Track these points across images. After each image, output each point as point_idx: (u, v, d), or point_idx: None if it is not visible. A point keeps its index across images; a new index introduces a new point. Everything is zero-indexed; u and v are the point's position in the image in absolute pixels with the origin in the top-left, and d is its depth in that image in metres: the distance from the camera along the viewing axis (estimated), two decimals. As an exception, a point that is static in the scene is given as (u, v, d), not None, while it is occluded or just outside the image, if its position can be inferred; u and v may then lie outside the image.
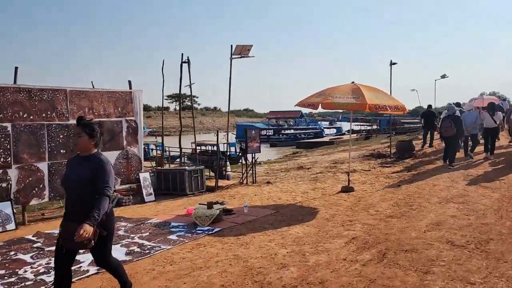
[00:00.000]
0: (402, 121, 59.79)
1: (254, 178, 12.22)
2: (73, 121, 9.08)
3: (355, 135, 49.18)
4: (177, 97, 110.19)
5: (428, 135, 16.88)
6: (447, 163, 11.47)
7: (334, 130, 58.71)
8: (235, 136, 59.61)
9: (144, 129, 51.07)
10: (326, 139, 44.99)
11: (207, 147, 34.35)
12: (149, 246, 5.74)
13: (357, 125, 63.06)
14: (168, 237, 6.19)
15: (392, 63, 16.12)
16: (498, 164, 11.30)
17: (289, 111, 67.46)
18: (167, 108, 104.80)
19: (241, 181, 12.21)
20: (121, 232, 6.66)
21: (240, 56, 11.90)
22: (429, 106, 18.12)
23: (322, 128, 57.11)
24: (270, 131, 56.09)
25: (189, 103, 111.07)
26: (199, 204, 7.40)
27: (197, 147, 34.34)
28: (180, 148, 15.51)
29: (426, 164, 12.71)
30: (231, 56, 12.12)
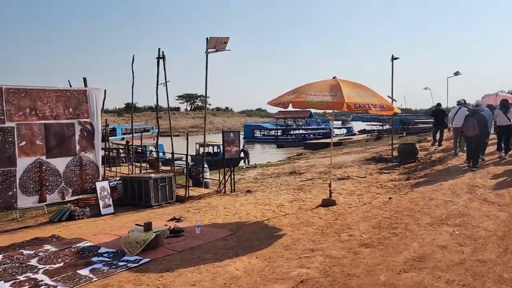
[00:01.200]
0: (416, 121, 57.66)
1: (232, 187, 10.91)
2: (10, 124, 7.91)
3: (365, 135, 47.47)
4: (188, 97, 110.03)
5: (438, 134, 16.35)
6: (471, 164, 10.46)
7: (345, 130, 56.96)
8: (242, 136, 58.53)
9: (153, 129, 49.68)
10: (334, 139, 43.34)
11: (212, 148, 33.25)
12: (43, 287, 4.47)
13: (369, 125, 60.94)
14: (79, 271, 4.93)
15: (393, 58, 14.65)
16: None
17: (298, 111, 65.67)
18: (177, 109, 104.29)
19: (218, 189, 10.91)
20: (33, 262, 5.42)
21: (215, 50, 10.59)
22: (438, 104, 17.39)
23: (331, 128, 55.43)
24: (278, 131, 54.74)
25: (200, 103, 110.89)
26: (136, 225, 6.11)
27: (200, 148, 33.30)
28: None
29: (429, 170, 11.27)
30: (207, 50, 10.81)
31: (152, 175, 10.02)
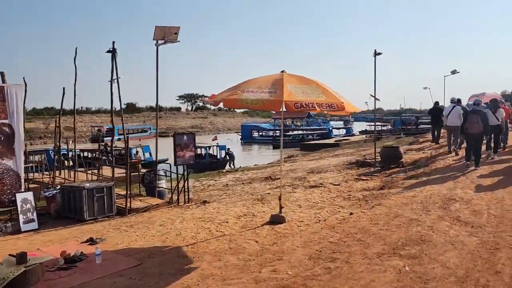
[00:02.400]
0: (420, 121, 56.00)
1: (186, 197, 9.69)
2: None
3: (364, 136, 46.04)
4: (189, 97, 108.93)
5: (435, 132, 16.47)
6: (471, 163, 10.27)
7: (344, 131, 55.64)
8: (240, 137, 57.20)
9: (151, 129, 48.54)
10: (331, 140, 42.00)
11: (200, 150, 32.02)
12: None
13: (370, 125, 59.40)
14: None
15: (376, 53, 13.38)
16: (498, 174, 8.57)
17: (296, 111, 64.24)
18: (178, 109, 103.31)
19: (169, 200, 9.70)
20: None
21: (164, 41, 9.37)
22: (436, 102, 17.13)
23: (331, 128, 54.07)
24: (277, 132, 53.45)
25: (200, 103, 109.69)
26: (9, 255, 4.90)
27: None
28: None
29: (408, 177, 10.03)
30: (157, 42, 9.60)
31: (87, 184, 8.81)
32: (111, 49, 10.78)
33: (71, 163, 28.05)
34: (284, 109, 5.49)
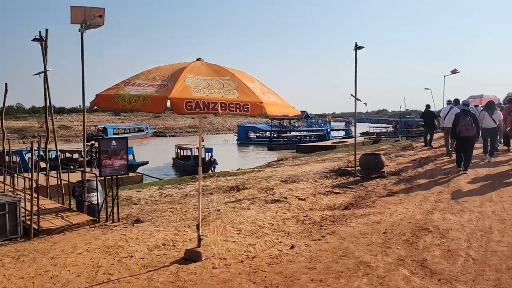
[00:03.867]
0: (420, 123, 53.99)
1: (114, 214, 8.08)
2: None
3: (363, 138, 44.13)
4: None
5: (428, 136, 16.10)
6: (463, 169, 9.81)
7: (343, 133, 53.81)
8: (236, 138, 55.45)
9: (147, 129, 47.04)
10: (328, 142, 40.27)
11: (185, 152, 30.40)
12: None
13: (371, 127, 57.31)
14: None
15: (357, 47, 11.70)
16: (491, 187, 6.90)
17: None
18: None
19: (96, 219, 8.09)
20: None
21: (86, 25, 7.73)
22: (428, 106, 16.74)
23: (329, 130, 52.24)
24: (274, 133, 51.78)
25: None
26: None
27: (180, 151, 30.61)
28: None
29: (385, 193, 8.41)
30: (81, 27, 7.94)
31: (-20, 200, 7.20)
32: (38, 37, 9.22)
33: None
34: (173, 108, 3.84)
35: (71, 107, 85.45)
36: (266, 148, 43.40)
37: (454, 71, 24.54)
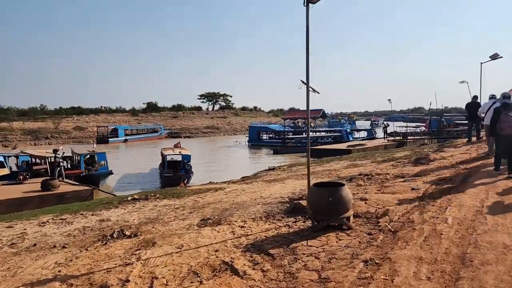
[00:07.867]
0: (457, 122, 47.28)
1: None
2: None
3: (386, 140, 38.45)
4: (210, 97, 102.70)
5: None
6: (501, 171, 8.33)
7: (365, 133, 48.33)
8: (247, 139, 50.78)
9: (161, 130, 42.73)
10: (344, 145, 34.95)
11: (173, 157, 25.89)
12: None
13: (400, 126, 49.66)
14: None
15: (308, 2, 6.84)
16: None
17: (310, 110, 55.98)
18: (199, 108, 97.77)
19: None
20: None
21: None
22: (475, 96, 15.49)
23: (349, 130, 46.81)
24: (288, 134, 46.94)
25: (222, 103, 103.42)
26: None
27: (167, 156, 25.97)
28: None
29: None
30: None
31: None
32: None
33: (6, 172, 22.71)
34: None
35: (95, 108, 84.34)
36: (271, 152, 38.60)
37: (494, 56, 19.23)
